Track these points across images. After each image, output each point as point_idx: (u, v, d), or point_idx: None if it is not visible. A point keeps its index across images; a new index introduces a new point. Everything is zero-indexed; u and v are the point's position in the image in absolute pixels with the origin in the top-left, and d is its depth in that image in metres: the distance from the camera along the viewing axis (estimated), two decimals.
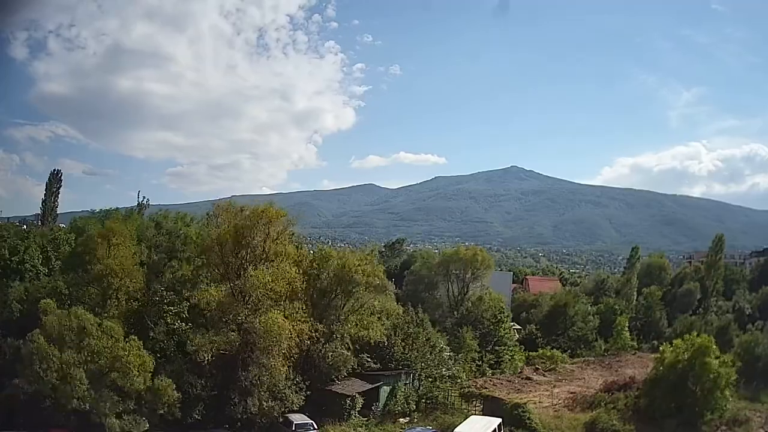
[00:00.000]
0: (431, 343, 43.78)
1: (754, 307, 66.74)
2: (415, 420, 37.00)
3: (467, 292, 59.75)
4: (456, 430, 29.74)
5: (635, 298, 71.84)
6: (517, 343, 57.65)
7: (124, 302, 34.03)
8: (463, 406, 38.22)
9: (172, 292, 34.89)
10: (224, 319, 33.30)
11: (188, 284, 35.34)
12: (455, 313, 57.34)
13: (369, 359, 39.81)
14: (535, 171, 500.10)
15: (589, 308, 66.71)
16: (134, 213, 47.28)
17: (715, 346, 35.96)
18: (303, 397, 33.95)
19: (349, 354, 37.36)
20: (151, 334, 33.06)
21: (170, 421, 30.63)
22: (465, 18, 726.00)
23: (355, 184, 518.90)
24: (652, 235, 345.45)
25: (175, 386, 30.29)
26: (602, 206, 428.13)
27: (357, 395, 35.94)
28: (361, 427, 35.13)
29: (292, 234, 38.88)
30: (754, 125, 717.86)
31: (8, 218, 69.61)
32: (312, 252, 44.55)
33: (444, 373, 41.86)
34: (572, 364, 54.89)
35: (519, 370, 51.40)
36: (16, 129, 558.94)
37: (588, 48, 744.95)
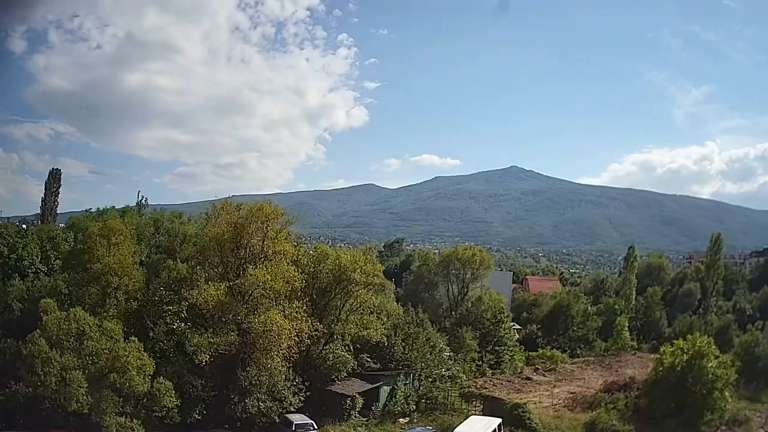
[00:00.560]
0: (431, 343, 43.69)
1: (754, 307, 66.91)
2: (415, 420, 36.91)
3: (467, 292, 59.77)
4: (456, 430, 29.67)
5: (634, 297, 71.81)
6: (517, 343, 57.59)
7: (123, 301, 34.02)
8: (463, 407, 38.12)
9: (170, 292, 34.79)
10: (223, 319, 33.26)
11: (186, 283, 35.15)
12: (455, 313, 57.31)
13: (369, 359, 39.80)
14: (535, 171, 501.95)
15: (589, 308, 66.72)
16: (131, 211, 47.23)
17: (714, 347, 35.93)
18: (302, 398, 33.87)
19: (350, 357, 37.31)
20: (151, 334, 32.97)
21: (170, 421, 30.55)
22: (465, 18, 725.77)
23: (355, 184, 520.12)
24: (652, 235, 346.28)
25: (174, 387, 30.18)
26: (602, 206, 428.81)
27: (357, 395, 35.88)
28: (361, 427, 35.04)
29: (289, 233, 38.69)
30: (763, 124, 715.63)
31: (8, 218, 69.75)
32: (311, 251, 44.51)
33: (444, 373, 41.81)
34: (572, 364, 54.87)
35: (519, 370, 51.34)
36: (15, 127, 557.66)
37: (592, 46, 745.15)
